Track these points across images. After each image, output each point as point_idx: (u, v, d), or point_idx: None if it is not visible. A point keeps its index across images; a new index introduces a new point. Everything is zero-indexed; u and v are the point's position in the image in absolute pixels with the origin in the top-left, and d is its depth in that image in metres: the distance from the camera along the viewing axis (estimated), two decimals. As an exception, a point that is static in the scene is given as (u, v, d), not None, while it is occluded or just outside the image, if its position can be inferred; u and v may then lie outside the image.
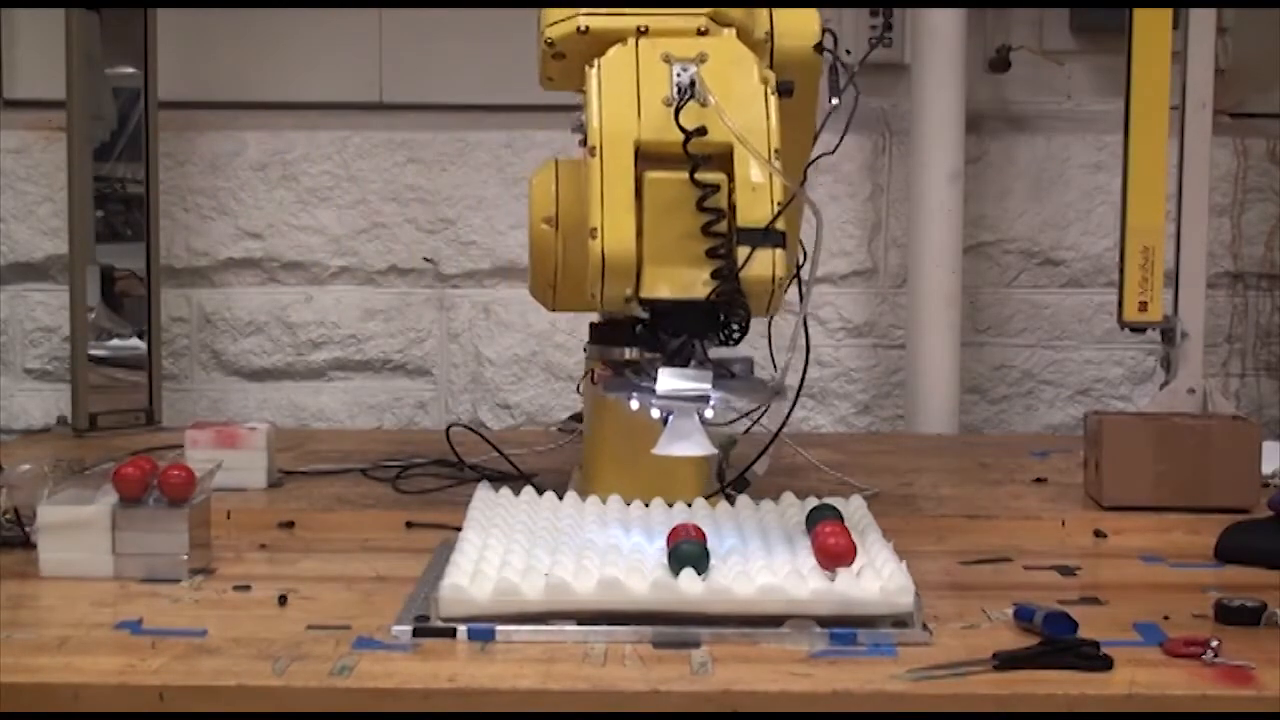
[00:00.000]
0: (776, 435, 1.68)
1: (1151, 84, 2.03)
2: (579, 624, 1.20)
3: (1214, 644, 1.14)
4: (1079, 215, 2.55)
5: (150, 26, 2.30)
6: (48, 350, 2.55)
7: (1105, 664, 1.12)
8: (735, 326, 1.37)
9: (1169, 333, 2.11)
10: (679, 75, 1.36)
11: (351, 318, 2.56)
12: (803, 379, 1.70)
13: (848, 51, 2.48)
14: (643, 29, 1.40)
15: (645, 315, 1.38)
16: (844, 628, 1.19)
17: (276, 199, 2.54)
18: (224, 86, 2.51)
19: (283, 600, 1.31)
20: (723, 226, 1.33)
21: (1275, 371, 2.58)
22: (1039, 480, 1.89)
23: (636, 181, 1.34)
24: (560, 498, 1.54)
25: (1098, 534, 1.61)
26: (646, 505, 1.53)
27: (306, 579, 1.39)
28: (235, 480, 1.75)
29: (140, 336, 2.32)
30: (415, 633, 1.20)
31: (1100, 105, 2.50)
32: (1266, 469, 1.77)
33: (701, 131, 1.32)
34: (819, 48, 1.47)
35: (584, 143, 1.38)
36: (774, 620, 1.20)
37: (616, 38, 1.40)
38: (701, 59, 1.37)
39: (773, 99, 1.37)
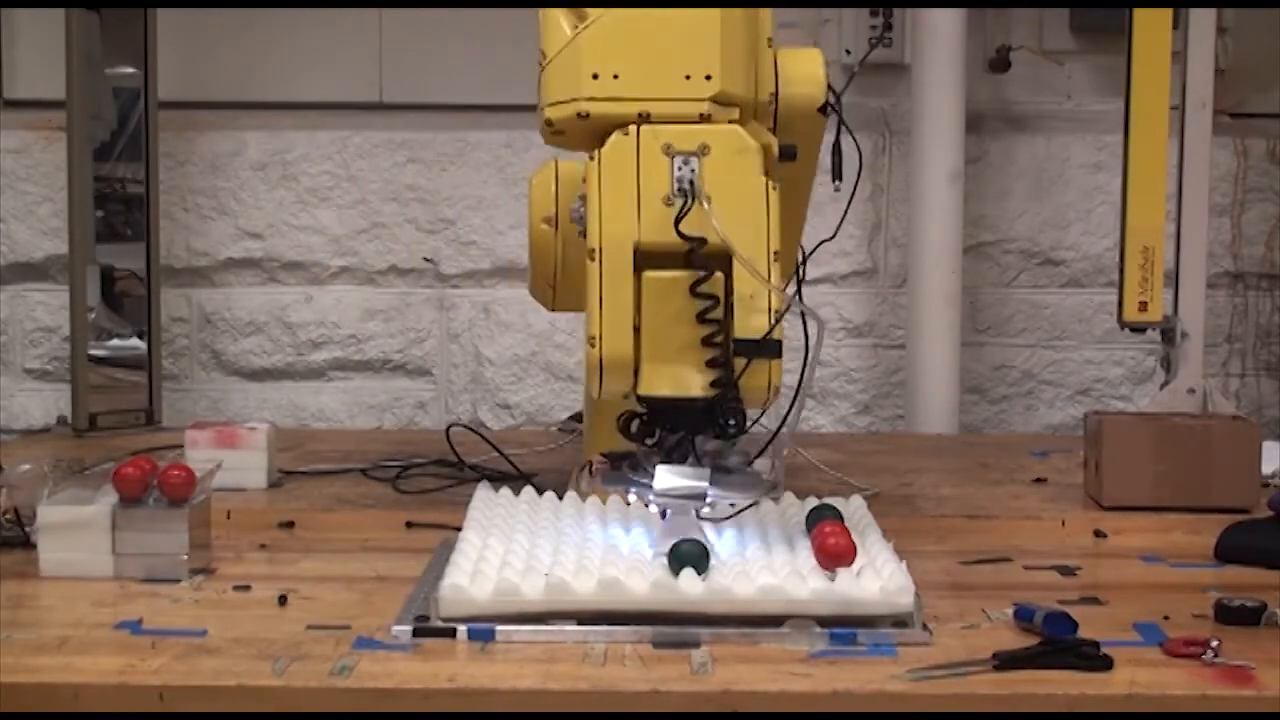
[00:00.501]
0: (775, 435, 1.67)
1: (1151, 84, 2.03)
2: (579, 624, 1.20)
3: (1214, 644, 1.14)
4: (1079, 215, 2.55)
5: (150, 26, 2.30)
6: (48, 350, 2.55)
7: (1105, 664, 1.12)
8: (732, 424, 1.38)
9: (1169, 333, 2.11)
10: (679, 170, 1.35)
11: (351, 318, 2.56)
12: (802, 378, 1.70)
13: (848, 51, 2.50)
14: (644, 115, 1.37)
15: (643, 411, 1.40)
16: (844, 628, 1.19)
17: (276, 199, 2.54)
18: (224, 86, 2.51)
19: (283, 600, 1.31)
20: (720, 337, 1.34)
21: (1275, 371, 2.58)
22: (1039, 480, 1.89)
23: (636, 280, 1.34)
24: (560, 498, 1.54)
25: (1098, 534, 1.61)
26: (646, 505, 1.53)
27: (306, 579, 1.39)
28: (235, 480, 1.75)
29: (140, 336, 2.32)
30: (415, 633, 1.20)
31: (1100, 105, 2.50)
32: (1266, 469, 1.77)
33: (701, 242, 1.32)
34: (823, 110, 1.47)
35: (583, 234, 1.38)
36: (774, 620, 1.20)
37: (617, 124, 1.37)
38: (703, 150, 1.35)
39: (774, 194, 1.36)
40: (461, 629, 1.20)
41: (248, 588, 1.36)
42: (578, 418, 2.10)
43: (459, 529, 1.41)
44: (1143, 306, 2.06)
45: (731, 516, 1.42)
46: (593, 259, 1.35)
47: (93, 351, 2.28)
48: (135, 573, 1.38)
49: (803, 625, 1.20)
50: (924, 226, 2.43)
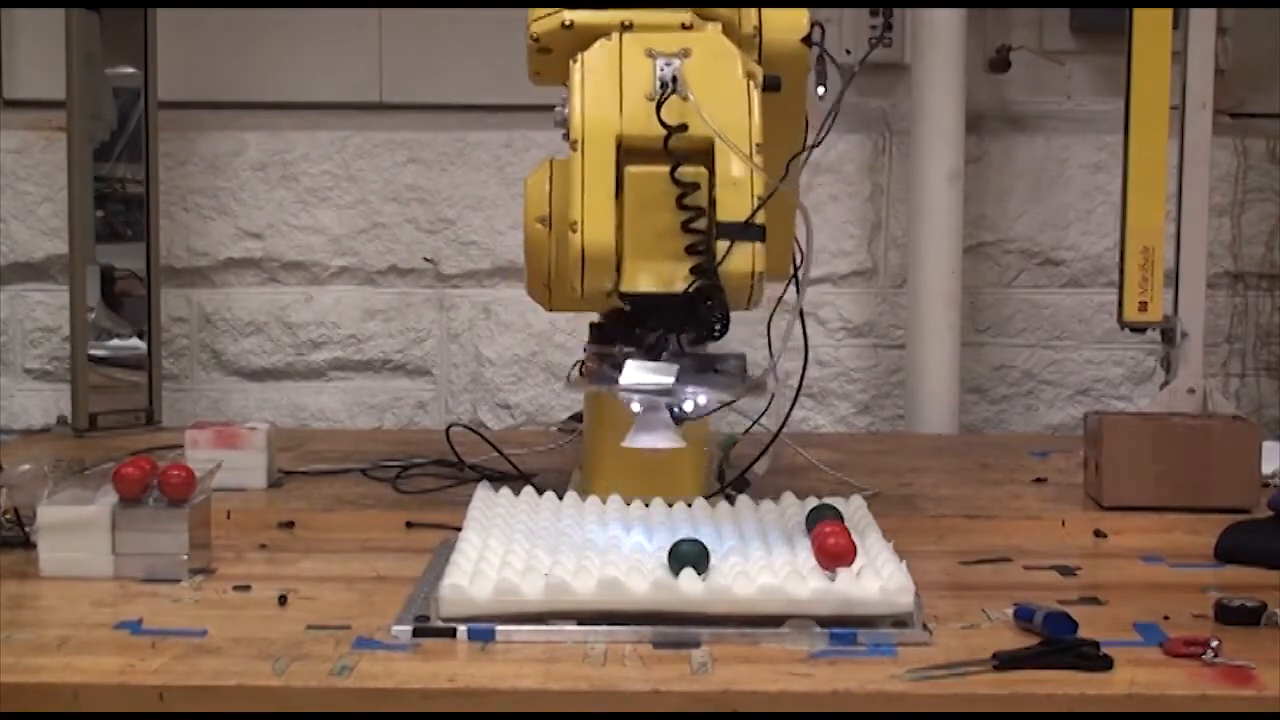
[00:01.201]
0: (776, 435, 1.68)
1: (1151, 84, 2.03)
2: (579, 624, 1.21)
3: (1214, 644, 1.14)
4: (1079, 215, 2.55)
5: (150, 26, 2.30)
6: (48, 350, 2.55)
7: (1105, 664, 1.12)
8: (715, 322, 1.37)
9: (1169, 333, 2.11)
10: (662, 70, 1.36)
11: (351, 318, 2.56)
12: (801, 378, 1.71)
13: (848, 52, 2.50)
14: (627, 24, 1.40)
15: (627, 309, 1.39)
16: (844, 628, 1.19)
17: (276, 199, 2.54)
18: (224, 86, 2.51)
19: (283, 600, 1.31)
20: (702, 223, 1.33)
21: (1275, 371, 2.58)
22: (1039, 480, 1.89)
23: (618, 176, 1.34)
24: (560, 498, 1.54)
25: (1098, 534, 1.61)
26: (646, 505, 1.53)
27: (306, 579, 1.39)
28: (235, 480, 1.75)
29: (140, 336, 2.32)
30: (415, 633, 1.20)
31: (1100, 105, 2.50)
32: (1266, 469, 1.77)
33: (682, 128, 1.33)
34: (807, 40, 1.46)
35: (566, 136, 1.38)
36: (774, 620, 1.20)
37: (601, 32, 1.41)
38: (685, 54, 1.37)
39: (756, 93, 1.37)
40: (461, 629, 1.20)
41: (248, 588, 1.36)
42: (578, 418, 2.10)
43: (459, 529, 1.41)
44: (1143, 306, 2.06)
45: (709, 413, 1.40)
46: (575, 149, 1.35)
47: (93, 351, 2.28)
48: (135, 573, 1.38)
49: (803, 625, 1.20)
50: (924, 226, 2.43)
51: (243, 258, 2.55)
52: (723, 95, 1.36)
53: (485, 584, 1.22)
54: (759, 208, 1.33)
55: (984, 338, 2.57)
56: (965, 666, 1.12)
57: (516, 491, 1.55)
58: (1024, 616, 1.23)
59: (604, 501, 1.54)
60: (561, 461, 1.93)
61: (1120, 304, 2.08)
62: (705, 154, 1.34)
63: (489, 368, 2.56)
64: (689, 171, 1.33)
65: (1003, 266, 2.56)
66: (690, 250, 1.34)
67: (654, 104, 1.34)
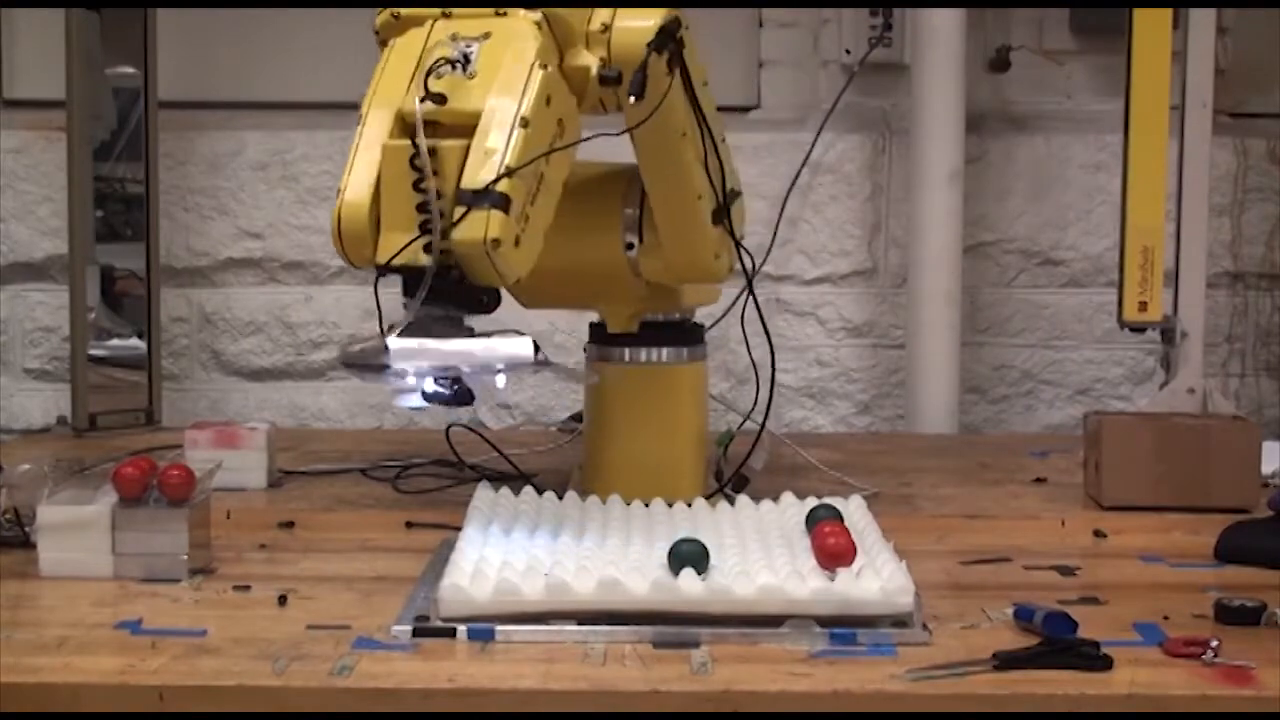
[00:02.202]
0: (763, 427, 1.67)
1: (1151, 84, 2.03)
2: (579, 624, 1.21)
3: (1214, 644, 1.14)
4: (1079, 215, 2.55)
5: (150, 26, 2.30)
6: (48, 350, 2.55)
7: (1105, 664, 1.12)
8: (471, 295, 1.36)
9: (1169, 333, 2.11)
10: (457, 51, 1.37)
11: (351, 318, 2.56)
12: (772, 372, 1.71)
13: (847, 51, 2.50)
14: (447, 13, 1.42)
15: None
16: (844, 628, 1.19)
17: (276, 199, 2.54)
18: (224, 86, 2.51)
19: (283, 600, 1.31)
20: (433, 184, 1.32)
21: (1275, 371, 2.58)
22: (1039, 480, 1.89)
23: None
24: (560, 498, 1.54)
25: (1097, 534, 1.61)
26: (646, 505, 1.54)
27: (306, 579, 1.39)
28: (235, 480, 1.75)
29: (140, 336, 2.32)
30: (415, 633, 1.20)
31: (1100, 105, 2.50)
32: (1266, 469, 1.77)
33: (440, 99, 1.34)
34: (656, 47, 1.43)
35: None
36: (774, 620, 1.20)
37: (422, 21, 1.43)
38: (485, 37, 1.38)
39: (540, 72, 1.36)
40: (461, 629, 1.20)
41: (248, 588, 1.36)
42: (578, 418, 2.10)
43: (459, 529, 1.41)
44: (1142, 306, 2.06)
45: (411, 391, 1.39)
46: (359, 123, 1.38)
47: (93, 351, 2.28)
48: (135, 573, 1.38)
49: (803, 625, 1.20)
50: (924, 226, 2.43)
51: (243, 258, 2.55)
52: (505, 73, 1.36)
53: (485, 584, 1.22)
54: (502, 176, 1.30)
55: (984, 338, 2.57)
56: (965, 666, 1.12)
57: (516, 491, 1.55)
58: (1024, 616, 1.23)
59: (604, 501, 1.54)
60: (561, 461, 1.93)
61: (1120, 304, 2.08)
62: (472, 129, 1.35)
63: (489, 368, 2.56)
64: (448, 143, 1.33)
65: (1003, 266, 2.56)
66: (420, 209, 1.33)
67: (438, 87, 1.36)
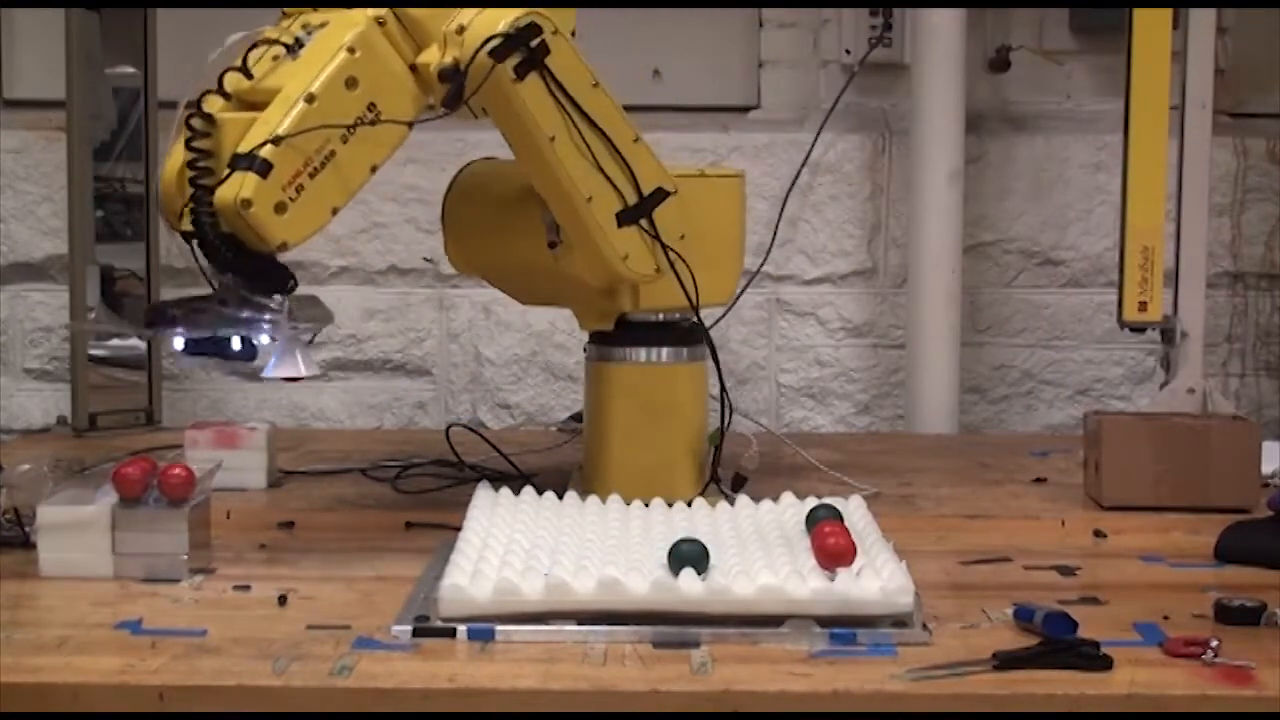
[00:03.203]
0: (725, 422, 1.67)
1: (1151, 84, 2.03)
2: (579, 624, 1.21)
3: (1214, 644, 1.14)
4: (1079, 215, 2.55)
5: (150, 26, 2.30)
6: (48, 350, 2.55)
7: (1105, 664, 1.12)
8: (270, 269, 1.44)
9: (1169, 333, 2.11)
10: (293, 39, 1.48)
11: (351, 318, 2.56)
12: (719, 372, 1.70)
13: (847, 51, 2.50)
14: (315, 9, 1.52)
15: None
16: (844, 628, 1.19)
17: (276, 199, 2.54)
18: (224, 86, 2.51)
19: (283, 600, 1.31)
20: (208, 159, 1.41)
21: (1275, 371, 2.58)
22: (1039, 480, 1.89)
23: None
24: (560, 498, 1.54)
25: (1097, 534, 1.61)
26: (646, 505, 1.54)
27: (306, 579, 1.39)
28: (235, 480, 1.75)
29: (140, 336, 2.32)
30: (415, 633, 1.20)
31: (1100, 105, 2.50)
32: (1266, 469, 1.77)
33: (247, 74, 1.47)
34: (496, 52, 1.46)
35: None
36: (774, 620, 1.20)
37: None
38: (323, 25, 1.48)
39: (341, 55, 1.43)
40: (461, 629, 1.20)
41: (248, 588, 1.36)
42: (578, 418, 2.10)
43: (459, 529, 1.41)
44: (1142, 306, 2.06)
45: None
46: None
47: (93, 351, 2.28)
48: (135, 573, 1.38)
49: (803, 625, 1.20)
50: (924, 226, 2.43)
51: (243, 258, 2.55)
52: (315, 57, 1.45)
53: (485, 584, 1.22)
54: (267, 142, 1.38)
55: (984, 337, 2.57)
56: (965, 666, 1.12)
57: (516, 491, 1.55)
58: (1024, 616, 1.23)
59: (604, 501, 1.54)
60: (561, 461, 1.93)
61: (1120, 304, 2.08)
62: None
63: (489, 368, 2.56)
64: (224, 116, 1.43)
65: (1003, 266, 2.56)
66: (192, 183, 1.41)
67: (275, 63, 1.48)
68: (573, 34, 1.55)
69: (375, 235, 2.55)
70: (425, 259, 2.55)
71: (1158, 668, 1.13)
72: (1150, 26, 2.03)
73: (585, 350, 1.75)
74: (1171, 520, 1.64)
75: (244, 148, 1.40)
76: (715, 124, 2.54)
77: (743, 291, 1.82)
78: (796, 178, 2.51)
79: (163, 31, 2.33)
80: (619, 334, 1.70)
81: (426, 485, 1.82)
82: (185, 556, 1.39)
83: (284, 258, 1.45)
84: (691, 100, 2.54)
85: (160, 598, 1.33)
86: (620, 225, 1.57)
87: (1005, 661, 1.13)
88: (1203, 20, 2.08)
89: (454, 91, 1.46)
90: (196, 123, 1.43)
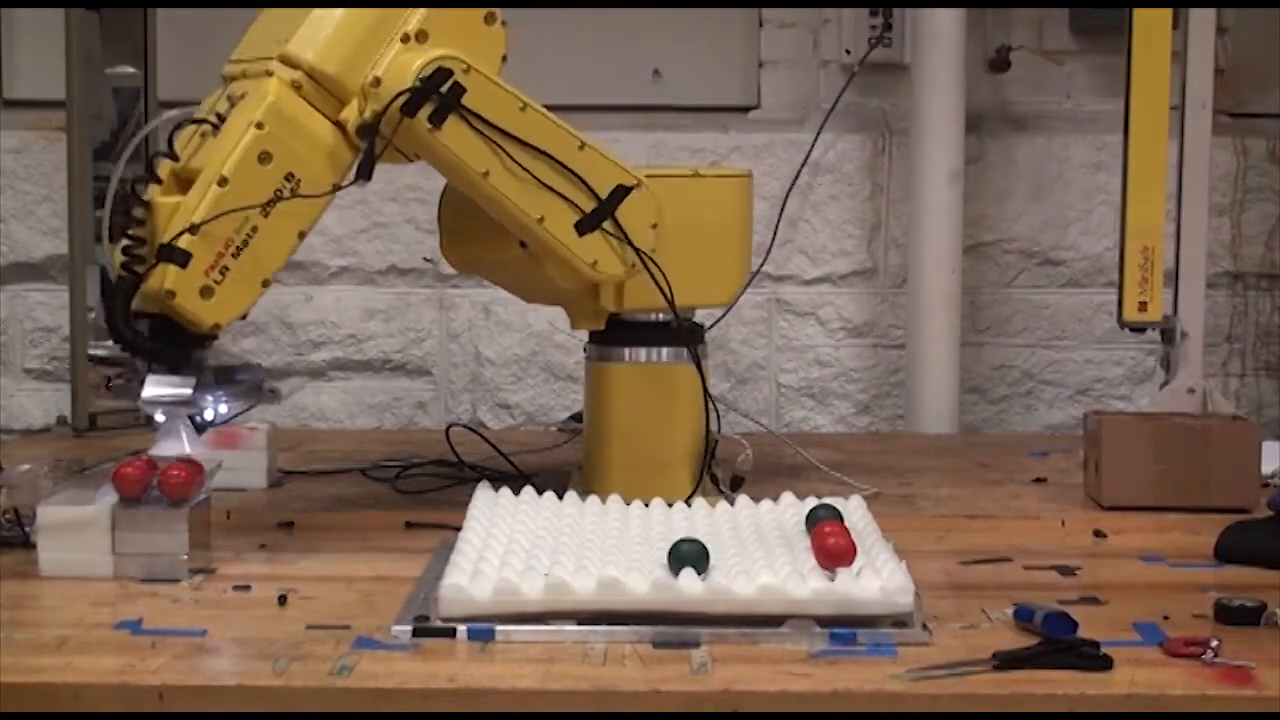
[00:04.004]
0: (709, 422, 1.67)
1: (1151, 84, 2.03)
2: (579, 624, 1.21)
3: (1214, 644, 1.14)
4: (1079, 215, 2.55)
5: (150, 26, 2.30)
6: (48, 350, 2.55)
7: (1105, 664, 1.12)
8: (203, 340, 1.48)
9: (1169, 333, 2.11)
10: (216, 116, 1.50)
11: (351, 318, 2.56)
12: (705, 388, 1.70)
13: (847, 51, 2.50)
14: (244, 73, 1.54)
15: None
16: (844, 628, 1.20)
17: (276, 199, 2.54)
18: (224, 86, 2.51)
19: (283, 600, 1.31)
20: (141, 233, 1.45)
21: (1275, 371, 2.58)
22: (1039, 480, 1.89)
23: None
24: (560, 498, 1.54)
25: (1097, 534, 1.61)
26: (646, 505, 1.54)
27: (306, 579, 1.39)
28: (235, 480, 1.75)
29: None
30: (415, 633, 1.20)
31: (1100, 105, 2.50)
32: (1266, 469, 1.77)
33: (173, 157, 1.49)
34: (360, 130, 1.48)
35: None
36: (774, 620, 1.20)
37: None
38: (243, 96, 1.50)
39: (250, 132, 1.44)
40: (461, 629, 1.20)
41: (248, 588, 1.36)
42: (578, 418, 2.10)
43: (459, 529, 1.41)
44: (1142, 306, 2.06)
45: (229, 420, 1.56)
46: None
47: (93, 351, 2.28)
48: (135, 573, 1.38)
49: (803, 625, 1.20)
50: (924, 226, 2.43)
51: (243, 258, 2.55)
52: (228, 135, 1.47)
53: (485, 584, 1.22)
54: (183, 232, 1.41)
55: (984, 338, 2.57)
56: (965, 666, 1.12)
57: (516, 491, 1.55)
58: (1024, 616, 1.23)
59: (604, 501, 1.54)
60: (561, 461, 1.93)
61: (1120, 304, 2.08)
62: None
63: (489, 368, 2.56)
64: (157, 200, 1.45)
65: (1003, 266, 2.56)
66: (125, 268, 1.45)
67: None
68: (503, 59, 1.55)
69: (375, 235, 2.55)
70: (425, 259, 2.55)
71: (1158, 668, 1.13)
72: (1150, 26, 2.03)
73: (585, 350, 1.75)
74: (1171, 520, 1.64)
75: (166, 236, 1.42)
76: (715, 124, 2.54)
77: (742, 291, 1.84)
78: (796, 178, 2.51)
79: (163, 31, 2.33)
80: (618, 334, 1.70)
81: (426, 485, 1.82)
82: (185, 556, 1.39)
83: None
84: (691, 100, 2.54)
85: (160, 598, 1.33)
86: (582, 234, 1.57)
87: (1005, 661, 1.13)
88: (1203, 20, 2.08)
89: (365, 160, 1.47)
90: (135, 210, 1.46)
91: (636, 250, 1.59)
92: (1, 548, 1.47)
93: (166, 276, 1.41)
